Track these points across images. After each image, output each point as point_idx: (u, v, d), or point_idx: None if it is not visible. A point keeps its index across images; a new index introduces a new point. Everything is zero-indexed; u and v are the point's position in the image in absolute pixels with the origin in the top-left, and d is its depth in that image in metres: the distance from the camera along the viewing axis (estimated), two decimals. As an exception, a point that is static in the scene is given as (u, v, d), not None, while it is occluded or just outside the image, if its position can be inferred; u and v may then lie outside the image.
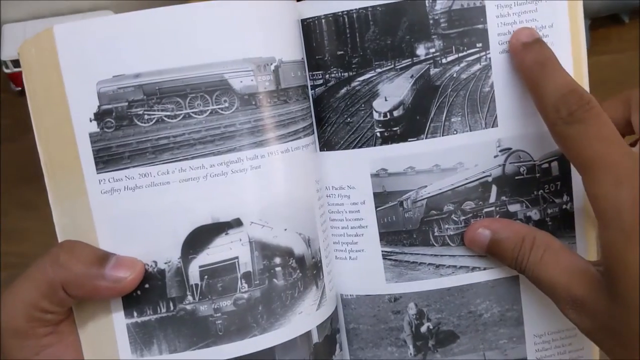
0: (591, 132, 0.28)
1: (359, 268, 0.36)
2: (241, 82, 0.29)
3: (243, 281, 0.30)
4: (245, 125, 0.30)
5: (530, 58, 0.31)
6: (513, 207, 0.35)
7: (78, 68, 0.28)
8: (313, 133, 0.34)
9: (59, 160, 0.29)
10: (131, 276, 0.28)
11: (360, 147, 0.34)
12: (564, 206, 0.35)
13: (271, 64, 0.30)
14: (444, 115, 0.34)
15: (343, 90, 0.34)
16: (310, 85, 0.34)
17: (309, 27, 0.34)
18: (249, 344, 0.30)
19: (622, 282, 0.27)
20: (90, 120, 0.28)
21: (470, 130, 0.34)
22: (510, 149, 0.34)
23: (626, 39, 0.52)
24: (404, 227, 0.35)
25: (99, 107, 0.28)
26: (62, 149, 0.29)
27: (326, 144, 0.35)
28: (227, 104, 0.29)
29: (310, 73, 0.34)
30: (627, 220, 0.26)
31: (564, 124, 0.29)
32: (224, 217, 0.30)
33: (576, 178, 0.34)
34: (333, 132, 0.35)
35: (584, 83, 0.34)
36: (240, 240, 0.30)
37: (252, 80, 0.30)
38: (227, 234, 0.30)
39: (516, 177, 0.34)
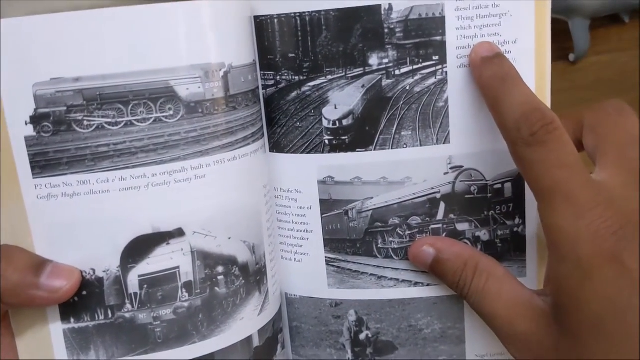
0: (552, 158, 0.26)
1: (304, 270, 0.36)
2: (188, 89, 0.28)
3: (184, 290, 0.30)
4: (191, 134, 0.29)
5: (490, 73, 0.30)
6: (461, 226, 0.34)
7: (15, 67, 0.27)
8: (262, 137, 0.33)
9: (-6, 163, 0.28)
10: (67, 286, 0.27)
11: (309, 152, 0.34)
12: (516, 229, 0.34)
13: (220, 70, 0.29)
14: (394, 128, 0.33)
15: (293, 94, 0.33)
16: (262, 85, 0.33)
17: (261, 25, 0.33)
18: (188, 351, 0.30)
19: (575, 319, 0.26)
20: (26, 124, 0.27)
21: (421, 145, 0.33)
22: (461, 167, 0.34)
23: (626, 39, 0.51)
24: (348, 235, 0.35)
25: (35, 110, 0.27)
26: (-3, 151, 0.28)
27: (276, 146, 0.34)
28: (171, 112, 0.28)
29: (262, 73, 0.33)
30: (584, 255, 0.25)
31: (524, 145, 0.27)
32: (166, 227, 0.29)
33: (530, 202, 0.34)
34: (283, 134, 0.34)
35: (546, 102, 0.33)
36: (182, 250, 0.29)
37: (199, 87, 0.29)
38: (168, 243, 0.29)
39: (466, 196, 0.34)
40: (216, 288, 0.31)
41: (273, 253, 0.35)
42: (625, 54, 0.51)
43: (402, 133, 0.33)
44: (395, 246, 0.35)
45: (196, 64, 0.28)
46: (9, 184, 0.28)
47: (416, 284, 0.35)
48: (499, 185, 0.34)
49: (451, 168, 0.34)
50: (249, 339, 0.32)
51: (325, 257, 0.35)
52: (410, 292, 0.35)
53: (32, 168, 0.28)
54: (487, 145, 0.33)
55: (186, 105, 0.28)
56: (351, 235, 0.35)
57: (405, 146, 0.33)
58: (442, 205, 0.34)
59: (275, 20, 0.32)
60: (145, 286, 0.29)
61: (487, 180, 0.34)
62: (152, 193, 0.28)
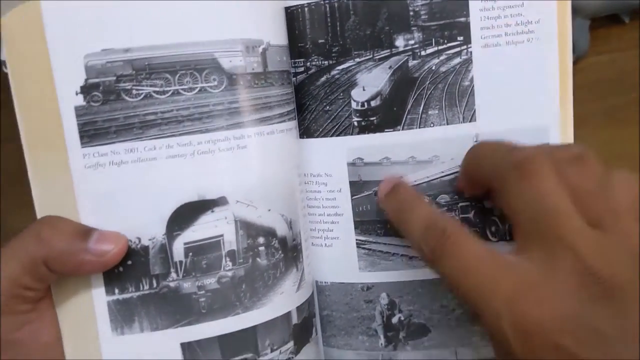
0: (457, 266, 0.25)
1: (334, 255, 0.36)
2: (230, 61, 0.30)
3: (227, 259, 0.30)
4: (233, 105, 0.30)
5: (390, 207, 0.32)
6: (489, 203, 0.35)
7: (65, 41, 0.28)
8: (295, 119, 0.35)
9: (41, 135, 0.29)
10: (115, 249, 0.28)
11: (338, 135, 0.35)
12: None
13: (259, 46, 0.31)
14: (421, 108, 0.34)
15: (323, 78, 0.35)
16: (293, 72, 0.35)
17: (292, 15, 0.34)
18: (232, 322, 0.30)
19: None
20: (77, 94, 0.28)
21: (447, 124, 0.34)
22: None
23: (626, 39, 0.51)
24: (378, 217, 0.36)
25: (86, 80, 0.28)
26: (45, 122, 0.28)
27: (306, 131, 0.36)
28: (215, 83, 0.29)
29: (292, 60, 0.35)
30: (517, 352, 0.23)
31: (431, 265, 0.27)
32: (210, 195, 0.30)
33: None
34: (313, 119, 0.35)
35: (569, 84, 0.34)
36: (226, 218, 0.30)
37: (241, 60, 0.30)
38: (212, 211, 0.30)
39: None
40: (258, 259, 0.31)
41: (305, 235, 0.35)
42: (625, 54, 0.51)
43: (429, 112, 0.34)
44: None
45: (237, 38, 0.30)
46: (57, 155, 0.28)
47: None
48: None
49: None
50: (288, 316, 0.32)
51: (356, 239, 0.36)
52: None
53: (81, 137, 0.28)
54: (512, 123, 0.34)
55: (229, 76, 0.30)
56: (381, 216, 0.36)
57: (432, 125, 0.34)
58: None
59: (306, 9, 0.34)
60: (191, 254, 0.29)
61: None
62: (198, 161, 0.29)
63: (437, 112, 0.34)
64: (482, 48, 0.34)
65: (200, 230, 0.30)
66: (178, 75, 0.29)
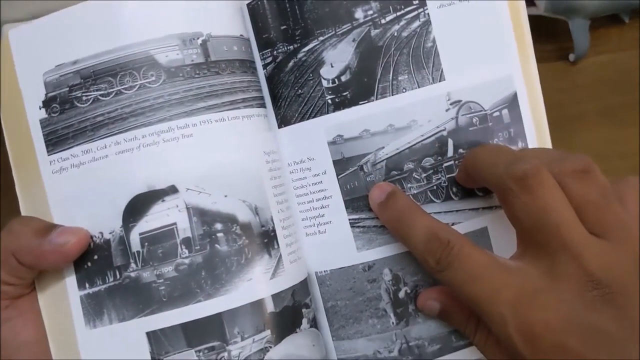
0: (462, 276, 0.27)
1: (329, 241, 0.35)
2: (167, 56, 0.31)
3: (183, 247, 0.31)
4: (174, 96, 0.31)
5: (387, 216, 0.32)
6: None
7: (28, 63, 0.32)
8: (261, 107, 0.35)
9: (20, 150, 0.32)
10: (73, 240, 0.30)
11: (314, 117, 0.35)
12: None
13: (198, 38, 0.32)
14: (391, 75, 0.34)
15: (290, 64, 0.35)
16: (262, 65, 0.35)
17: (254, 9, 0.35)
18: (195, 310, 0.30)
19: None
20: (40, 108, 0.32)
21: (419, 87, 0.33)
22: (460, 100, 0.33)
23: (626, 39, 0.51)
24: (367, 191, 0.34)
25: (46, 94, 0.32)
26: (21, 139, 0.32)
27: (283, 120, 0.35)
28: (154, 78, 0.31)
29: (261, 53, 0.36)
30: (524, 356, 0.25)
31: (437, 274, 0.28)
32: (159, 185, 0.31)
33: (528, 123, 0.34)
34: (287, 106, 0.35)
35: (524, 31, 0.34)
36: (177, 206, 0.31)
37: (177, 54, 0.31)
38: (163, 200, 0.31)
39: (470, 129, 0.34)
40: (216, 245, 0.31)
41: (287, 221, 0.34)
42: (625, 54, 0.51)
43: (399, 78, 0.34)
44: (415, 191, 0.34)
45: (173, 33, 0.31)
46: (31, 165, 0.32)
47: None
48: (497, 113, 0.34)
49: (451, 104, 0.33)
50: (260, 303, 0.31)
51: (349, 219, 0.35)
52: None
53: (47, 146, 0.31)
54: (478, 77, 0.34)
55: (166, 70, 0.31)
56: (370, 190, 0.34)
57: (404, 90, 0.33)
58: (450, 142, 0.34)
59: (265, 1, 0.35)
60: (146, 244, 0.30)
61: (485, 110, 0.34)
62: (144, 153, 0.31)
63: (406, 77, 0.33)
64: (438, 9, 0.33)
65: (152, 220, 0.31)
66: (119, 76, 0.31)
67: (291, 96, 0.35)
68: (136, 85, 0.31)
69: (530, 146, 0.34)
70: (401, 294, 0.34)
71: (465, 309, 0.32)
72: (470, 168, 0.31)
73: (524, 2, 0.34)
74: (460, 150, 0.33)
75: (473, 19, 0.33)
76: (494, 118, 0.34)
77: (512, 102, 0.34)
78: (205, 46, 0.32)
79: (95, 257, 0.31)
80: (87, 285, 0.31)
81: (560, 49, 0.52)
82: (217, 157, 0.32)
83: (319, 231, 0.35)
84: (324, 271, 0.35)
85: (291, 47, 0.35)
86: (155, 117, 0.31)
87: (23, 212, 0.33)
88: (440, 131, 0.33)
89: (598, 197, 0.26)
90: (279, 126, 0.36)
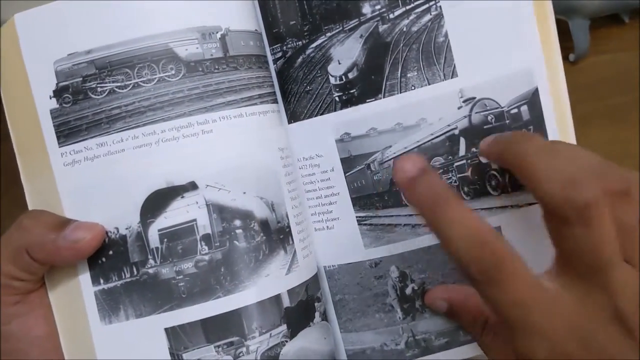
0: (508, 298, 0.25)
1: (337, 237, 0.36)
2: (186, 50, 0.31)
3: (203, 243, 0.30)
4: (194, 91, 0.31)
5: (418, 197, 0.27)
6: (485, 159, 0.33)
7: (36, 50, 0.30)
8: (274, 102, 0.35)
9: (26, 140, 0.31)
10: (88, 236, 0.29)
11: (322, 114, 0.35)
12: None
13: (217, 32, 0.31)
14: (399, 72, 0.33)
15: (299, 59, 0.35)
16: (273, 60, 0.35)
17: (265, 3, 0.35)
18: (214, 306, 0.30)
19: None
20: (50, 98, 0.30)
21: (429, 84, 0.33)
22: (474, 98, 0.33)
23: (626, 39, 0.51)
24: (375, 190, 0.35)
25: (57, 84, 0.30)
26: (29, 128, 0.31)
27: (292, 116, 0.35)
28: (173, 72, 0.30)
29: (271, 48, 0.35)
30: None
31: (478, 284, 0.26)
32: (179, 181, 0.30)
33: (550, 121, 0.33)
34: (296, 102, 0.35)
35: (549, 20, 0.33)
36: (197, 203, 0.30)
37: (197, 48, 0.31)
38: (182, 197, 0.30)
39: (485, 127, 0.33)
40: (235, 242, 0.31)
41: (300, 217, 0.35)
42: (625, 54, 0.51)
43: (408, 75, 0.33)
44: None
45: (192, 26, 0.31)
46: (40, 157, 0.31)
47: None
48: (515, 110, 0.33)
49: (464, 101, 0.33)
50: (277, 298, 0.32)
51: (356, 216, 0.35)
52: None
53: (58, 137, 0.30)
54: (495, 72, 0.33)
55: (186, 64, 0.31)
56: (377, 189, 0.35)
57: (413, 88, 0.33)
58: (462, 141, 0.33)
59: (275, -5, 0.35)
60: (166, 240, 0.30)
61: (502, 107, 0.33)
62: (163, 149, 0.30)
63: (416, 73, 0.33)
64: (451, 0, 0.32)
65: (172, 216, 0.30)
66: (136, 68, 0.30)
67: (300, 92, 0.35)
68: (155, 78, 0.30)
69: None
70: (408, 291, 0.35)
71: (472, 311, 0.32)
72: (513, 165, 0.28)
73: (552, 11, 0.33)
74: (474, 150, 0.33)
75: (490, 8, 0.32)
76: (512, 115, 0.33)
77: (533, 98, 0.33)
78: (224, 40, 0.32)
79: (111, 252, 0.30)
80: (101, 280, 0.30)
81: (560, 49, 0.51)
82: (236, 153, 0.31)
83: (327, 227, 0.36)
84: (332, 266, 0.36)
85: (300, 42, 0.35)
86: (175, 112, 0.30)
87: (30, 205, 0.31)
88: (452, 130, 0.33)
89: (635, 222, 0.25)
90: (289, 122, 0.36)
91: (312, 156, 0.36)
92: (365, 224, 0.35)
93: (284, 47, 0.35)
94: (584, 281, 0.25)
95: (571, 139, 0.33)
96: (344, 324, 0.36)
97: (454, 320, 0.34)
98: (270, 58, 0.35)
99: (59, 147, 0.30)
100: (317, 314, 0.34)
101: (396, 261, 0.35)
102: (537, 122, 0.33)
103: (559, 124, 0.33)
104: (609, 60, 0.51)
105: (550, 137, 0.33)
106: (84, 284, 0.31)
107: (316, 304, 0.35)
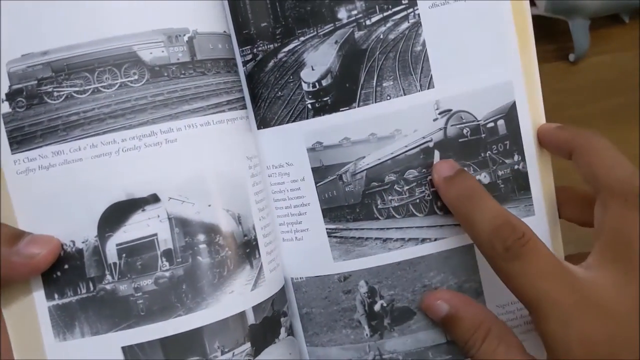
0: (532, 270, 0.27)
1: (306, 248, 0.35)
2: (151, 53, 0.29)
3: (164, 259, 0.29)
4: (158, 98, 0.29)
5: (455, 192, 0.31)
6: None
7: (-12, 50, 0.28)
8: (243, 108, 0.33)
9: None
10: (44, 251, 0.27)
11: (294, 121, 0.33)
12: (516, 166, 0.33)
13: (184, 35, 0.30)
14: (375, 81, 0.32)
15: (271, 63, 0.33)
16: (242, 62, 0.33)
17: (234, 4, 0.33)
18: (174, 324, 0.29)
19: None
20: (2, 101, 0.28)
21: (405, 94, 0.32)
22: (450, 110, 0.32)
23: (626, 39, 0.52)
24: (346, 201, 0.34)
25: (9, 87, 0.28)
26: (-20, 132, 0.29)
27: (262, 121, 0.34)
28: (136, 77, 0.29)
29: (240, 50, 0.34)
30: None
31: (502, 261, 0.28)
32: (140, 193, 0.29)
33: (527, 136, 0.33)
34: (267, 107, 0.34)
35: (528, 34, 0.32)
36: (159, 216, 0.29)
37: (162, 51, 0.29)
38: (143, 210, 0.29)
39: (460, 140, 0.33)
40: (198, 257, 0.30)
41: (268, 228, 0.33)
42: (625, 54, 0.51)
43: (384, 84, 0.32)
44: (396, 204, 0.33)
45: (158, 28, 0.29)
46: (-10, 163, 0.29)
47: (423, 240, 0.33)
48: (492, 124, 0.32)
49: (440, 113, 0.32)
50: (242, 316, 0.31)
51: (326, 228, 0.34)
52: (419, 250, 0.33)
53: (11, 144, 0.29)
54: (472, 84, 0.32)
55: (150, 69, 0.29)
56: (349, 201, 0.34)
57: (388, 97, 0.32)
58: (437, 154, 0.33)
59: (245, -5, 0.33)
60: (124, 255, 0.29)
61: (478, 120, 0.32)
62: (123, 159, 0.28)
63: (391, 83, 0.32)
64: (430, 9, 0.31)
65: (131, 230, 0.29)
66: (97, 72, 0.28)
67: (271, 97, 0.33)
68: (116, 83, 0.28)
69: (528, 160, 0.33)
70: (377, 307, 0.34)
71: (476, 317, 0.31)
72: (582, 162, 0.30)
73: (528, 1, 0.32)
74: None
75: (470, 20, 0.31)
76: (488, 129, 0.33)
77: (510, 112, 0.32)
78: (192, 44, 0.30)
79: (66, 266, 0.29)
80: (56, 296, 0.29)
81: (560, 49, 0.52)
82: (202, 164, 0.30)
83: (296, 237, 0.35)
84: (300, 278, 0.35)
85: (272, 45, 0.33)
86: (137, 119, 0.29)
87: (-16, 214, 0.30)
88: (427, 142, 0.33)
89: None
90: (259, 127, 0.34)
91: (282, 164, 0.34)
92: (335, 236, 0.34)
93: (255, 50, 0.33)
94: (625, 270, 0.26)
95: (547, 155, 0.33)
96: (310, 338, 0.35)
97: (448, 330, 0.32)
98: (239, 60, 0.33)
99: (12, 154, 0.29)
100: (282, 330, 0.33)
101: (365, 276, 0.34)
102: (514, 136, 0.33)
103: (536, 140, 0.33)
104: (609, 60, 0.51)
105: (527, 153, 0.33)
106: (38, 298, 0.29)
107: (282, 319, 0.34)
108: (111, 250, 0.29)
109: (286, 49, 0.33)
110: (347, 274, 0.34)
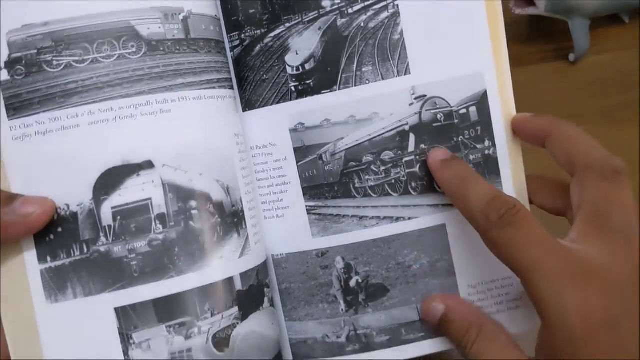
0: (523, 237, 0.28)
1: (286, 225, 0.36)
2: (148, 29, 0.31)
3: (157, 222, 0.30)
4: (154, 70, 0.31)
5: (451, 173, 0.33)
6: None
7: (-12, 19, 0.29)
8: (231, 88, 0.35)
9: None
10: (38, 211, 0.28)
11: (277, 103, 0.35)
12: (487, 152, 0.35)
13: (179, 14, 0.32)
14: (355, 66, 0.35)
15: (257, 48, 0.35)
16: (230, 47, 0.36)
17: None
18: (167, 286, 0.30)
19: None
20: (1, 69, 0.29)
21: (383, 79, 0.34)
22: (425, 95, 0.34)
23: (626, 39, 0.52)
24: (325, 180, 0.36)
25: (9, 55, 0.29)
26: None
27: (247, 104, 0.36)
28: (134, 49, 0.30)
29: (229, 35, 0.36)
30: (575, 328, 0.26)
31: (495, 229, 0.29)
32: (135, 159, 0.30)
33: (497, 123, 0.35)
34: (252, 90, 0.36)
35: (499, 28, 0.34)
36: (153, 181, 0.30)
37: (159, 27, 0.31)
38: (138, 175, 0.30)
39: (434, 125, 0.35)
40: (191, 222, 0.31)
41: (252, 203, 0.35)
42: (625, 54, 0.51)
43: (363, 69, 0.34)
44: (372, 183, 0.35)
45: (156, 6, 0.31)
46: (-16, 128, 0.30)
47: (398, 219, 0.35)
48: (464, 110, 0.35)
49: (415, 98, 0.34)
50: (230, 281, 0.32)
51: (306, 205, 0.36)
52: (394, 229, 0.35)
53: (7, 110, 0.29)
54: (447, 72, 0.34)
55: (147, 43, 0.31)
56: (328, 179, 0.36)
57: (367, 82, 0.34)
58: (412, 137, 0.35)
59: (236, -19, 0.35)
60: (119, 218, 0.30)
61: (452, 107, 0.35)
62: (120, 126, 0.30)
63: (370, 68, 0.34)
64: (408, 0, 0.34)
65: (126, 194, 0.30)
66: (96, 44, 0.30)
67: (257, 80, 0.36)
68: (115, 54, 0.30)
69: (498, 146, 0.35)
70: (352, 283, 0.35)
71: (467, 318, 0.32)
72: (558, 147, 0.32)
73: (500, 1, 0.34)
74: (422, 146, 0.35)
75: (446, 13, 0.34)
76: (461, 115, 0.34)
77: (482, 100, 0.34)
78: (187, 23, 0.32)
79: (60, 229, 0.30)
80: (48, 258, 0.30)
81: (560, 49, 0.53)
82: (194, 134, 0.32)
83: (277, 215, 0.36)
84: (280, 254, 0.36)
85: (258, 31, 0.35)
86: (134, 89, 0.30)
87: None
88: (402, 125, 0.35)
89: None
90: (244, 109, 0.36)
91: (265, 145, 0.36)
92: (314, 214, 0.36)
93: (242, 35, 0.35)
94: (612, 240, 0.28)
95: (516, 142, 0.35)
96: (288, 313, 0.37)
97: (444, 331, 0.33)
98: (227, 45, 0.36)
99: (9, 120, 0.29)
100: (266, 300, 0.35)
101: (342, 252, 0.35)
102: (485, 123, 0.35)
103: (506, 127, 0.35)
104: (608, 60, 0.51)
105: (498, 140, 0.35)
106: (29, 261, 0.30)
107: (265, 289, 0.35)
108: (106, 213, 0.30)
109: (272, 35, 0.35)
110: (324, 250, 0.36)
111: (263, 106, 0.35)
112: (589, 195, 0.30)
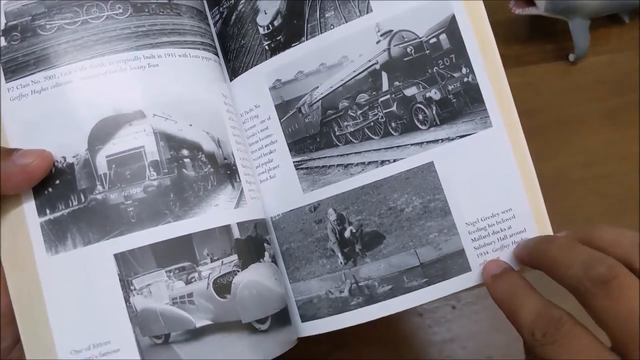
0: (565, 353, 0.27)
1: (279, 185, 0.36)
2: (134, -9, 0.33)
3: (151, 169, 0.31)
4: (141, 29, 0.32)
5: (501, 289, 0.32)
6: (409, 91, 0.34)
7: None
8: (216, 54, 0.37)
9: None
10: (37, 160, 0.29)
11: (255, 64, 0.36)
12: (466, 79, 0.34)
13: (162, -20, 0.34)
14: (318, 13, 0.35)
15: (233, 17, 0.37)
16: (213, 23, 0.38)
17: None
18: (164, 230, 0.31)
19: None
20: (-1, 37, 0.31)
21: (347, 22, 0.35)
22: (391, 30, 0.34)
23: (626, 39, 0.52)
24: (307, 132, 0.36)
25: (5, 24, 0.31)
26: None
27: (233, 72, 0.37)
28: (121, 10, 0.32)
29: (211, 12, 0.38)
30: None
31: (540, 347, 0.28)
32: (126, 110, 0.31)
33: (472, 47, 0.33)
34: (235, 58, 0.37)
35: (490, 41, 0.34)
36: (145, 130, 0.31)
37: (144, -10, 0.33)
38: (130, 124, 0.31)
39: (405, 59, 0.34)
40: (184, 170, 0.32)
41: (246, 162, 0.36)
42: (625, 54, 0.52)
43: (326, 15, 0.35)
44: (352, 129, 0.35)
45: (139, -28, 0.33)
46: (-16, 94, 0.31)
47: (383, 162, 0.35)
48: (434, 39, 0.34)
49: (381, 35, 0.34)
50: (227, 229, 0.32)
51: (293, 161, 0.36)
52: (380, 173, 0.35)
53: (5, 74, 0.31)
54: (409, 3, 0.34)
55: (133, 5, 0.33)
56: (309, 131, 0.36)
57: (332, 27, 0.35)
58: (384, 75, 0.35)
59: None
60: (114, 166, 0.31)
61: (420, 37, 0.34)
62: (111, 79, 0.31)
63: (333, 13, 0.35)
64: None
65: (120, 142, 0.31)
66: (85, 7, 0.32)
67: (237, 48, 0.37)
68: (103, 15, 0.32)
69: (476, 71, 0.33)
70: (347, 234, 0.35)
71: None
72: (540, 264, 0.31)
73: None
74: (396, 83, 0.34)
75: None
76: (431, 45, 0.34)
77: (451, 26, 0.33)
78: (169, -12, 0.34)
79: (57, 182, 0.30)
80: (48, 211, 0.30)
81: (560, 49, 0.53)
82: (182, 87, 0.33)
83: (270, 176, 0.37)
84: (277, 215, 0.37)
85: (232, 0, 0.37)
86: (122, 46, 0.32)
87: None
88: (373, 65, 0.34)
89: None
90: (231, 79, 0.37)
91: (251, 108, 0.37)
92: (301, 168, 0.36)
93: (220, 9, 0.37)
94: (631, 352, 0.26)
95: (498, 65, 0.33)
96: (292, 274, 0.36)
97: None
98: (211, 22, 0.38)
99: (6, 82, 0.31)
100: (266, 255, 0.35)
101: (333, 203, 0.35)
102: (458, 49, 0.34)
103: (483, 49, 0.33)
104: (608, 60, 0.51)
105: (475, 65, 0.33)
106: (29, 215, 0.30)
107: (266, 245, 0.35)
108: (101, 162, 0.31)
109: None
110: (316, 204, 0.36)
111: (244, 71, 0.37)
112: (591, 315, 0.28)
